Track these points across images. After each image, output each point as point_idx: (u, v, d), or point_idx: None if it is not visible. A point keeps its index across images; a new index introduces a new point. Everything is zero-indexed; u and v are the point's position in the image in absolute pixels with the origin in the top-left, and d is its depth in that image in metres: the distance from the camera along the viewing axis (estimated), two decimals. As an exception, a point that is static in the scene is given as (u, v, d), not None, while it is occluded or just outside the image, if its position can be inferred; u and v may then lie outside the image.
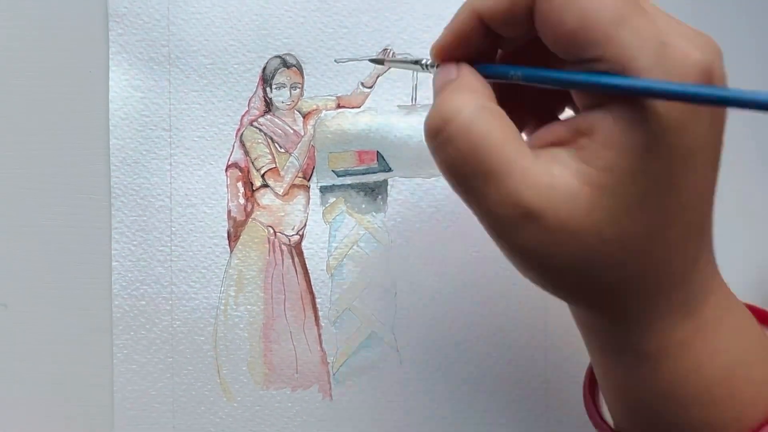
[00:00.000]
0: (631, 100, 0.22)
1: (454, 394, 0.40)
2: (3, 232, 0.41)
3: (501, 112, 0.24)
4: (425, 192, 0.40)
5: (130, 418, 0.40)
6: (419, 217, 0.40)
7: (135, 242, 0.40)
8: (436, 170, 0.40)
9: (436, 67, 0.26)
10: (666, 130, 0.22)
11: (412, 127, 0.40)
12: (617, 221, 0.23)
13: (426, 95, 0.40)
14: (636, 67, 0.21)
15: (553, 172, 0.22)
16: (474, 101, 0.24)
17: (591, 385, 0.32)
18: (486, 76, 0.25)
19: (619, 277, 0.24)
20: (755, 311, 0.29)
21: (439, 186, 0.40)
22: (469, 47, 0.25)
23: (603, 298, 0.25)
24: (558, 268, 0.23)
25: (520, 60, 0.26)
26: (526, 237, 0.23)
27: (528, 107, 0.27)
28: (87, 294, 0.41)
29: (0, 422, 0.40)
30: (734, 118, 0.41)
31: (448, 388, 0.40)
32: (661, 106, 0.22)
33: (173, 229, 0.40)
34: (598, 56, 0.22)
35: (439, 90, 0.25)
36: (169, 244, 0.40)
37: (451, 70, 0.25)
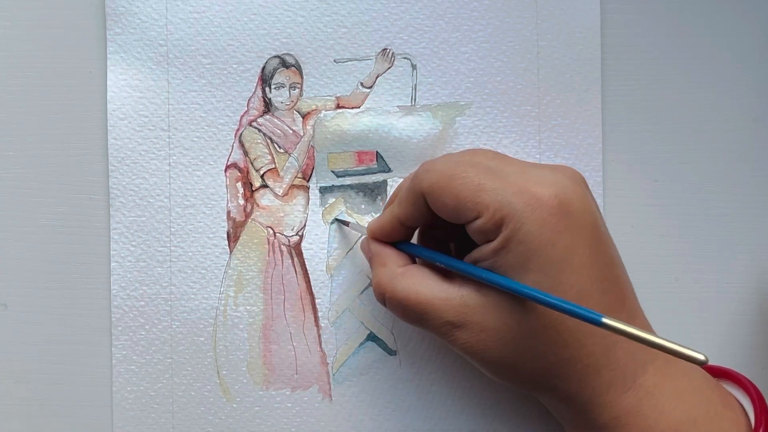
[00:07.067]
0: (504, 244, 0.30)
1: (453, 395, 0.40)
2: (3, 232, 0.41)
3: (407, 270, 0.34)
4: (425, 193, 0.40)
5: (129, 418, 0.40)
6: (419, 218, 0.40)
7: (134, 243, 0.40)
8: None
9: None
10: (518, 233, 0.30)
11: (412, 127, 0.40)
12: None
13: (425, 95, 0.40)
14: (504, 213, 0.30)
15: (463, 292, 0.32)
16: (389, 274, 0.34)
17: None
18: (406, 251, 0.35)
19: (536, 368, 0.31)
20: (711, 369, 0.34)
21: (439, 186, 0.40)
22: (393, 235, 0.35)
23: (536, 385, 0.32)
24: (490, 361, 0.32)
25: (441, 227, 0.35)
26: (462, 339, 0.31)
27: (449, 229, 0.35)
28: (86, 294, 0.41)
29: (0, 422, 0.41)
30: (738, 116, 0.41)
31: (447, 389, 0.40)
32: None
33: (172, 229, 0.40)
34: (477, 216, 0.31)
35: (367, 260, 0.37)
36: (168, 245, 0.40)
37: (366, 249, 0.37)
